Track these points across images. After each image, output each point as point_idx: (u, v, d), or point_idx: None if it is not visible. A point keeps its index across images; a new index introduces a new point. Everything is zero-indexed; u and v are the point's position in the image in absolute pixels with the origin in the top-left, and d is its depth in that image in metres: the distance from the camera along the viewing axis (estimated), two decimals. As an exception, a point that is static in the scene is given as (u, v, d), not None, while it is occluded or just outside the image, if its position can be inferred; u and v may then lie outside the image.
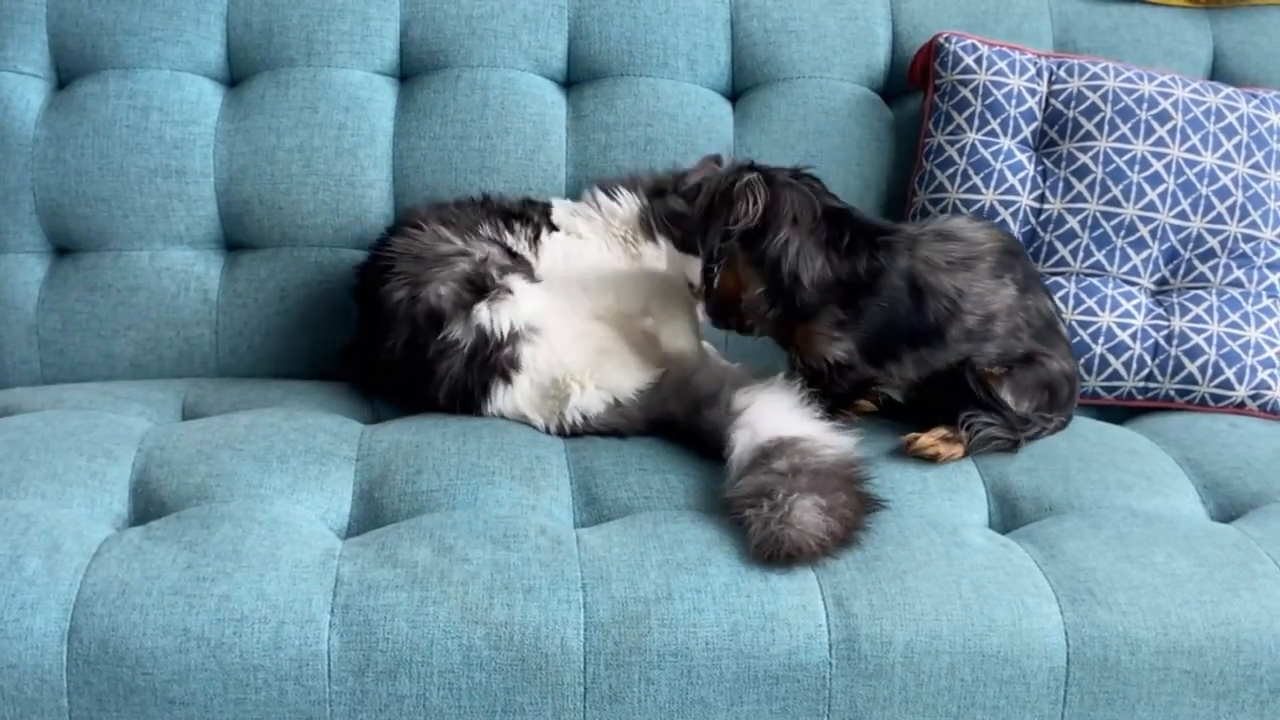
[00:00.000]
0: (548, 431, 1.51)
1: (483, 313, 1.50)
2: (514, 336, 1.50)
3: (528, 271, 1.57)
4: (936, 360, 1.49)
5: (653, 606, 1.20)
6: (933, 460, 1.45)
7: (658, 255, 1.66)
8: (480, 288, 1.51)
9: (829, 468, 1.33)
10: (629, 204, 1.67)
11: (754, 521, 1.26)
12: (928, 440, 1.46)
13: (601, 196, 1.68)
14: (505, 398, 1.51)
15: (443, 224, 1.57)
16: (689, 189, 1.57)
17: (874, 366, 1.49)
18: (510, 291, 1.52)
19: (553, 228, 1.64)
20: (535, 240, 1.61)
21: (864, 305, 1.47)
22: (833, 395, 1.49)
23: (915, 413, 1.53)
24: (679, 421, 1.48)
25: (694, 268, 1.59)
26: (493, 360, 1.50)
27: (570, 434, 1.51)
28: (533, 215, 1.64)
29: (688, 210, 1.57)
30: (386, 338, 1.53)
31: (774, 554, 1.23)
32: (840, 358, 1.48)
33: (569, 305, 1.56)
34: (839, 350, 1.47)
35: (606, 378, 1.51)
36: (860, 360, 1.48)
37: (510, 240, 1.59)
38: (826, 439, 1.38)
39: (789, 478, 1.30)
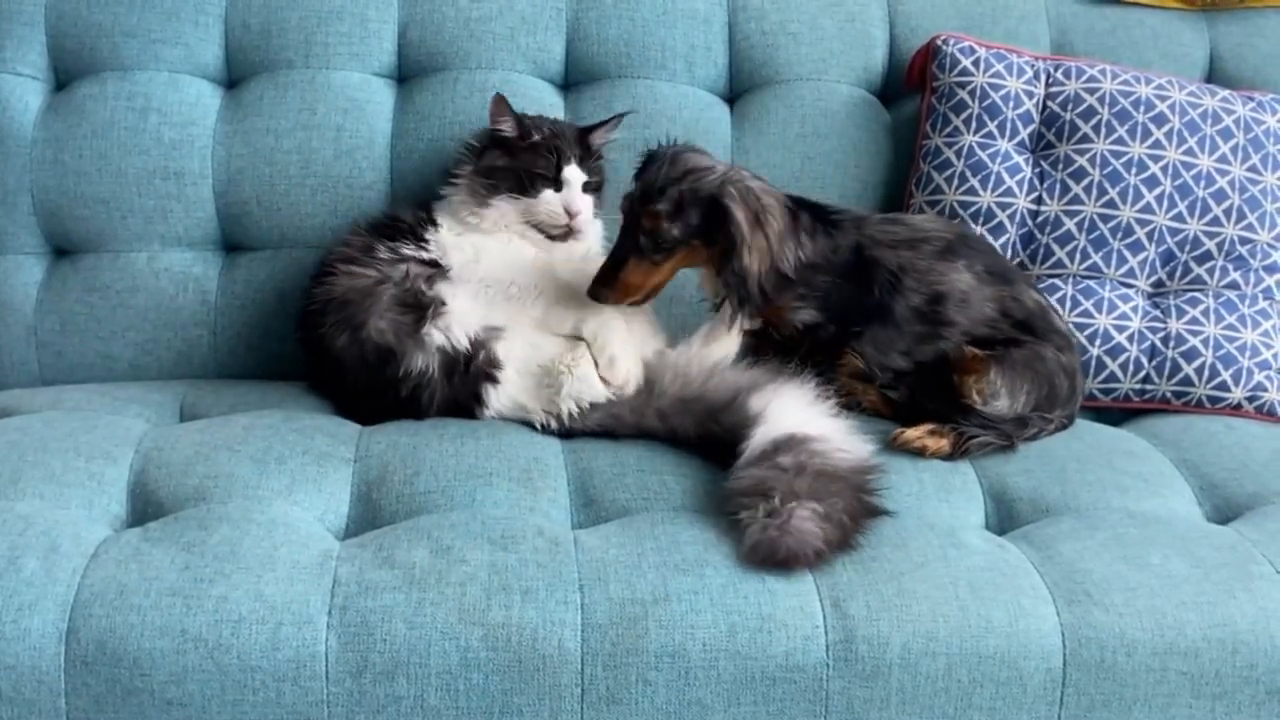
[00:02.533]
0: (545, 429, 1.52)
1: (435, 335, 1.50)
2: (479, 343, 1.51)
3: (444, 274, 1.57)
4: (894, 342, 1.54)
5: (650, 608, 1.20)
6: (920, 454, 1.46)
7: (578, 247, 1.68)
8: (415, 304, 1.52)
9: (835, 471, 1.33)
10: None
11: (750, 524, 1.26)
12: (914, 434, 1.47)
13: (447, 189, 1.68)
14: (499, 397, 1.52)
15: (349, 262, 1.57)
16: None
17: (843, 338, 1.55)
18: (444, 302, 1.52)
19: (434, 223, 1.64)
20: (423, 242, 1.61)
21: (820, 282, 1.53)
22: (814, 357, 1.53)
23: (922, 420, 1.52)
24: (688, 438, 1.47)
25: (537, 206, 1.64)
26: (472, 370, 1.51)
27: (568, 431, 1.51)
28: (409, 220, 1.64)
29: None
30: (345, 381, 1.54)
31: (768, 558, 1.23)
32: (808, 320, 1.54)
33: (512, 308, 1.56)
34: (804, 315, 1.54)
35: (584, 371, 1.51)
36: (825, 322, 1.54)
37: (408, 251, 1.58)
38: (842, 441, 1.38)
39: (790, 475, 1.30)
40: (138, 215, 1.73)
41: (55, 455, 1.36)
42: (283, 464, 1.37)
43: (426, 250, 1.60)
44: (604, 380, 1.50)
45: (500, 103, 1.66)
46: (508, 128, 1.65)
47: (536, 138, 1.66)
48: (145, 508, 1.33)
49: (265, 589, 1.18)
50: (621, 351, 1.51)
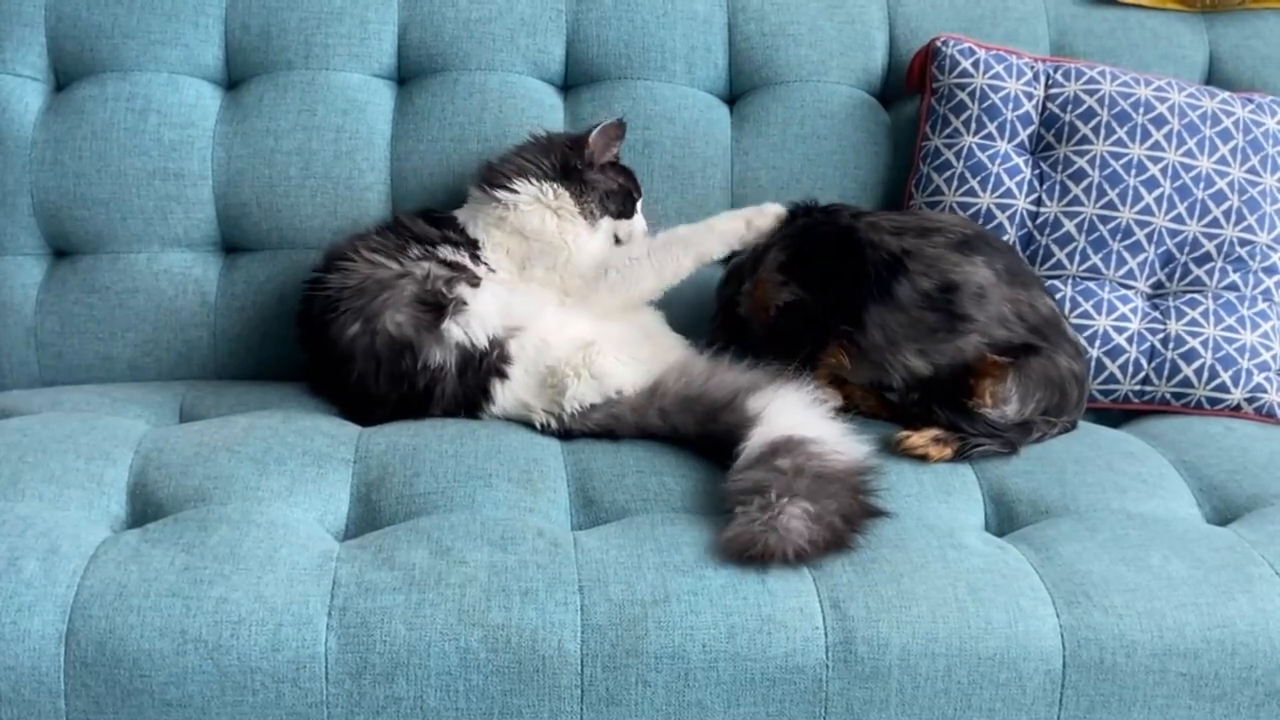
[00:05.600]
0: (545, 429, 1.52)
1: (455, 331, 1.50)
2: (497, 341, 1.52)
3: (470, 277, 1.57)
4: (904, 331, 1.51)
5: (650, 609, 1.20)
6: (923, 460, 1.45)
7: (598, 231, 1.67)
8: (435, 305, 1.51)
9: (833, 473, 1.33)
10: (548, 192, 1.64)
11: (739, 517, 1.26)
12: (919, 440, 1.46)
13: (506, 195, 1.64)
14: (505, 394, 1.52)
15: (373, 252, 1.56)
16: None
17: (833, 324, 1.54)
18: (465, 303, 1.52)
19: (473, 243, 1.62)
20: (474, 257, 1.60)
21: (801, 245, 1.54)
22: (801, 348, 1.52)
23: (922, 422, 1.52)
24: (689, 436, 1.47)
25: (624, 228, 1.69)
26: (485, 366, 1.51)
27: (567, 431, 1.51)
28: (450, 234, 1.62)
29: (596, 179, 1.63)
30: (349, 375, 1.53)
31: (743, 552, 1.23)
32: (789, 299, 1.52)
33: (538, 299, 1.58)
34: (786, 294, 1.52)
35: (599, 368, 1.51)
36: (810, 300, 1.52)
37: (443, 254, 1.58)
38: (839, 443, 1.38)
39: (788, 477, 1.30)
40: (137, 216, 1.73)
41: (55, 456, 1.36)
42: (282, 465, 1.37)
43: (461, 256, 1.59)
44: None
45: (621, 127, 1.69)
46: (617, 153, 1.69)
47: (620, 163, 1.71)
48: (145, 509, 1.33)
49: (265, 590, 1.18)
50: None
